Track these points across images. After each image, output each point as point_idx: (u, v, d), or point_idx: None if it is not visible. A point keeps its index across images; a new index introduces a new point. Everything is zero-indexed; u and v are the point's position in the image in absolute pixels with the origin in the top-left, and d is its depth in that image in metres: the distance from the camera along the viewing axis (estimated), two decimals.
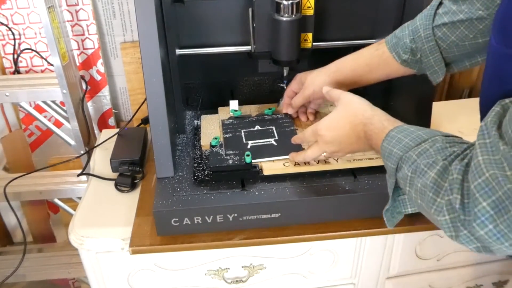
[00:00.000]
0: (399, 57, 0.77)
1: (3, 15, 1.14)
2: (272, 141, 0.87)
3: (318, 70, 0.86)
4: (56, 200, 1.35)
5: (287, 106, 0.94)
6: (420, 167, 0.54)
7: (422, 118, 0.86)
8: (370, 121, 0.66)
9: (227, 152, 0.83)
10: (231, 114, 0.96)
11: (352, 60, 0.83)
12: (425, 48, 0.74)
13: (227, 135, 0.89)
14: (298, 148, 0.83)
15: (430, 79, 0.78)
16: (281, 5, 0.81)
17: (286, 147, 0.84)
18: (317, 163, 0.81)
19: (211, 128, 0.93)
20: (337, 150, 0.73)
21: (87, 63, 1.21)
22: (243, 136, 0.88)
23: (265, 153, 0.84)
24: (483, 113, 0.66)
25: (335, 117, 0.72)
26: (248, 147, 0.85)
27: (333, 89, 0.77)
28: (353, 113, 0.69)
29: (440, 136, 0.58)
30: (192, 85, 1.01)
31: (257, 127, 0.91)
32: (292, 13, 0.82)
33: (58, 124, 1.26)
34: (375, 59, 0.80)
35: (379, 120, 0.66)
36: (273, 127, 0.90)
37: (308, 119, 0.94)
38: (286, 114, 0.94)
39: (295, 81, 0.90)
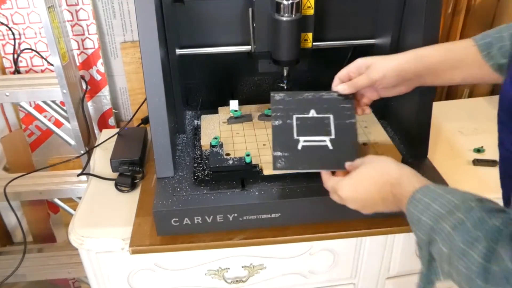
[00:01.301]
0: (491, 59, 0.67)
1: (3, 15, 1.14)
2: (327, 141, 0.74)
3: (386, 56, 0.74)
4: (56, 200, 1.35)
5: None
6: (459, 245, 0.47)
7: (422, 118, 0.86)
8: (398, 181, 0.60)
9: (276, 154, 0.72)
10: (231, 114, 0.96)
11: (436, 50, 0.72)
12: None
13: (276, 122, 0.74)
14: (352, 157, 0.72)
15: None
16: (281, 5, 0.81)
17: (341, 154, 0.72)
18: None
19: (211, 128, 0.93)
20: (360, 209, 0.66)
21: (87, 63, 1.21)
22: (294, 126, 0.74)
23: (317, 162, 0.72)
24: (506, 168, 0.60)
25: (358, 178, 0.65)
26: (299, 147, 0.73)
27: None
28: (379, 173, 0.63)
29: (474, 201, 0.50)
30: (192, 85, 1.01)
31: (313, 113, 0.76)
32: (292, 13, 0.82)
33: (58, 124, 1.25)
34: (468, 55, 0.69)
35: (409, 181, 0.59)
36: (331, 116, 0.75)
37: (363, 112, 0.79)
38: (347, 96, 0.76)
39: (354, 64, 0.76)
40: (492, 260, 0.43)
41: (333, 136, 0.74)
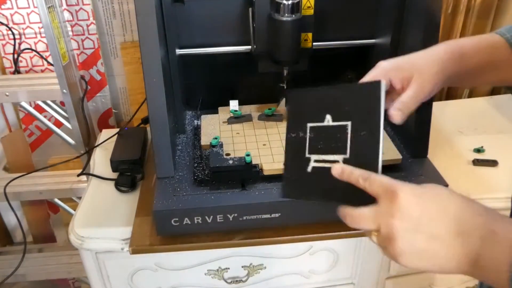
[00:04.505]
0: None
1: (3, 15, 1.14)
2: (340, 161, 0.56)
3: (422, 55, 0.60)
4: (56, 200, 1.35)
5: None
6: None
7: (422, 118, 0.86)
8: (502, 217, 0.43)
9: (286, 176, 0.60)
10: (231, 114, 0.96)
11: (475, 52, 0.61)
12: None
13: (291, 134, 0.62)
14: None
15: None
16: (281, 5, 0.81)
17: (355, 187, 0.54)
18: None
19: (211, 128, 0.93)
20: (404, 261, 0.45)
21: (87, 63, 1.21)
22: (307, 140, 0.60)
23: (328, 191, 0.57)
24: None
25: (426, 191, 0.47)
26: (309, 169, 0.59)
27: (376, 176, 0.50)
28: (463, 218, 0.44)
29: None
30: (192, 85, 1.01)
31: (328, 119, 0.59)
32: (292, 13, 0.82)
33: (58, 124, 1.25)
34: (496, 56, 0.61)
35: (503, 224, 0.42)
36: (349, 124, 0.57)
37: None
38: (375, 88, 0.56)
39: (376, 70, 0.61)
40: None
41: (347, 155, 0.56)
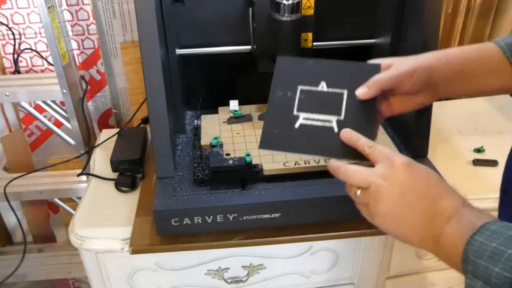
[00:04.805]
0: None
1: (3, 15, 1.14)
2: (333, 122, 0.60)
3: (409, 56, 0.64)
4: (56, 200, 1.35)
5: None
6: None
7: (422, 118, 0.86)
8: (471, 205, 0.48)
9: (266, 129, 0.60)
10: (231, 114, 0.96)
11: (466, 51, 0.63)
12: None
13: (275, 93, 0.63)
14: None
15: None
16: (281, 5, 0.81)
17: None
18: (317, 162, 0.81)
19: (211, 128, 0.93)
20: (380, 221, 0.51)
21: (87, 63, 1.21)
22: (296, 99, 0.62)
23: (315, 146, 0.59)
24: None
25: (418, 167, 0.51)
26: (296, 125, 0.61)
27: (379, 146, 0.54)
28: (441, 202, 0.48)
29: None
30: (192, 85, 1.01)
31: (323, 85, 0.62)
32: (292, 13, 0.82)
33: (58, 124, 1.26)
34: (486, 59, 0.62)
35: (473, 211, 0.47)
36: (345, 92, 0.61)
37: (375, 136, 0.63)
38: (372, 68, 0.63)
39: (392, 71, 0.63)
40: None
41: (342, 117, 0.60)
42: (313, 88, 0.63)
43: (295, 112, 0.61)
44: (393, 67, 0.61)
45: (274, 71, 0.65)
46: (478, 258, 0.42)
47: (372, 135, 0.58)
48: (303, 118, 0.61)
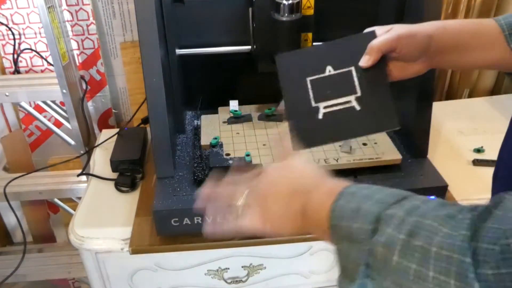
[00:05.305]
0: None
1: (3, 15, 1.14)
2: (353, 100, 0.61)
3: (409, 24, 0.64)
4: (56, 200, 1.35)
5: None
6: (424, 226, 0.36)
7: (422, 118, 0.86)
8: (328, 178, 0.49)
9: (294, 132, 0.60)
10: (231, 114, 0.96)
11: (465, 25, 0.63)
12: None
13: (287, 86, 0.63)
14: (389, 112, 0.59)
15: None
16: (281, 5, 0.81)
17: (374, 113, 0.60)
18: (317, 162, 0.81)
19: (211, 128, 0.93)
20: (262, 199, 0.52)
21: (87, 63, 1.21)
22: (310, 91, 0.62)
23: (345, 129, 0.60)
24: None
25: (284, 164, 0.54)
26: (320, 116, 0.61)
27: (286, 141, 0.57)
28: (310, 167, 0.52)
29: (419, 195, 0.42)
30: (192, 85, 1.01)
31: (329, 70, 0.62)
32: (292, 13, 0.82)
33: (58, 124, 1.25)
34: (483, 34, 0.62)
35: (333, 180, 0.48)
36: (353, 68, 0.62)
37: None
38: (369, 37, 0.62)
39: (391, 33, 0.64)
40: (479, 237, 0.33)
41: (359, 94, 0.61)
42: (321, 75, 0.62)
43: (313, 104, 0.61)
44: (392, 30, 0.62)
45: (278, 70, 0.64)
46: (340, 220, 0.43)
47: (391, 100, 0.60)
48: (323, 107, 0.61)
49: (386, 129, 0.60)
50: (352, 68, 0.62)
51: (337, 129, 0.60)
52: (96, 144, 1.08)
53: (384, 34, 0.62)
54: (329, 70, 0.62)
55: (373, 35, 0.62)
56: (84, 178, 1.16)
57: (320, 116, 0.61)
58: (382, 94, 0.60)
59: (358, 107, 0.60)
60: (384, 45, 0.61)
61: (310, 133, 0.61)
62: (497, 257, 0.32)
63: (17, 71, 1.21)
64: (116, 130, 1.06)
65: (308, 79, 0.62)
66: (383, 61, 0.61)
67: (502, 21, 0.62)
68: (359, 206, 0.42)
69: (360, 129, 0.60)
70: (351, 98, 0.61)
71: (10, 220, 1.44)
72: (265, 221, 0.51)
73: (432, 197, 0.46)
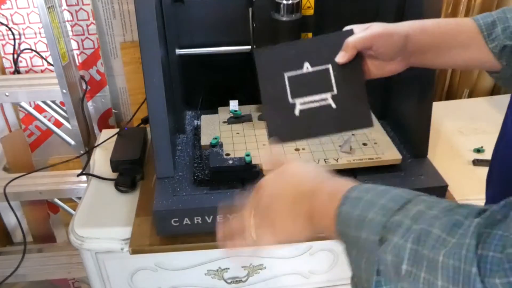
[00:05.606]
0: (493, 41, 0.60)
1: (3, 15, 1.14)
2: (329, 98, 0.62)
3: (387, 23, 0.64)
4: (56, 200, 1.35)
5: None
6: (431, 234, 0.36)
7: (422, 118, 0.86)
8: (329, 180, 0.49)
9: (270, 126, 0.62)
10: (231, 114, 0.96)
11: (437, 26, 0.63)
12: None
13: (265, 87, 0.64)
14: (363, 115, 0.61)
15: (506, 82, 0.64)
16: (281, 5, 0.81)
17: (349, 112, 0.62)
18: (317, 162, 0.81)
19: (211, 128, 0.93)
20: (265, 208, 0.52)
21: (87, 63, 1.21)
22: (287, 88, 0.63)
23: (320, 127, 0.62)
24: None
25: (280, 171, 0.53)
26: (296, 112, 0.62)
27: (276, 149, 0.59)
28: (306, 171, 0.51)
29: (424, 195, 0.42)
30: (192, 85, 1.01)
31: (307, 66, 0.63)
32: (292, 13, 0.82)
33: (58, 124, 1.26)
34: (461, 34, 0.62)
35: (336, 182, 0.48)
36: (330, 66, 0.63)
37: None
38: (347, 34, 0.63)
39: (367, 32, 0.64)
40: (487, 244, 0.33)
41: (335, 92, 0.62)
42: (299, 72, 0.63)
43: (290, 100, 0.63)
44: (369, 29, 0.63)
45: (256, 66, 0.65)
46: (347, 228, 0.43)
47: (366, 99, 0.61)
48: (300, 104, 0.62)
49: (360, 128, 0.61)
50: (329, 66, 0.63)
51: (313, 126, 0.61)
52: (96, 144, 1.08)
53: (361, 32, 0.63)
54: (307, 67, 0.63)
55: (351, 33, 0.63)
56: (84, 178, 1.16)
57: (297, 112, 0.62)
58: (357, 92, 0.61)
59: (334, 105, 0.62)
60: (359, 42, 0.62)
61: (286, 129, 0.61)
62: (505, 265, 0.31)
63: (17, 71, 1.21)
64: (116, 130, 1.06)
65: (286, 75, 0.63)
66: (359, 59, 0.62)
67: (480, 20, 0.62)
68: (364, 215, 0.41)
69: (335, 127, 0.61)
70: (328, 95, 0.62)
71: (10, 220, 1.44)
72: (277, 234, 0.51)
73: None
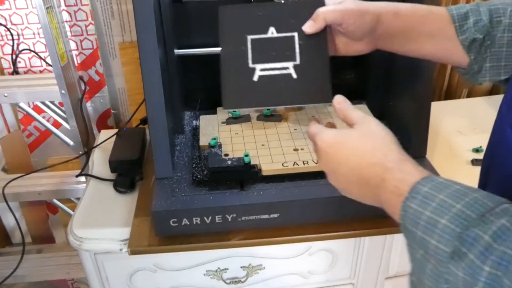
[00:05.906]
0: (464, 33, 0.59)
1: (2, 15, 1.14)
2: (290, 68, 0.60)
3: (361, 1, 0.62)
4: (55, 201, 1.35)
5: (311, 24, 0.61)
6: None
7: (421, 118, 0.86)
8: (397, 166, 0.46)
9: (226, 89, 0.60)
10: (230, 114, 0.96)
11: (415, 12, 0.61)
12: (503, 37, 0.58)
13: (225, 48, 0.62)
14: (321, 93, 0.59)
15: (472, 78, 0.63)
16: None
17: (308, 85, 0.59)
18: (316, 163, 0.81)
19: (210, 129, 0.93)
20: (330, 174, 0.53)
21: (86, 64, 1.21)
22: (249, 51, 0.61)
23: (277, 96, 0.59)
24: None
25: (347, 139, 0.51)
26: (255, 78, 0.60)
27: (351, 106, 0.54)
28: (375, 147, 0.49)
29: (509, 204, 0.38)
30: (191, 86, 1.01)
31: (272, 31, 0.61)
32: None
33: (56, 124, 1.25)
34: (432, 21, 0.61)
35: (411, 168, 0.45)
36: (296, 34, 0.60)
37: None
38: (318, 3, 0.60)
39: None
40: None
41: (297, 62, 0.60)
42: (263, 36, 0.61)
43: (250, 65, 0.60)
44: (342, 4, 0.60)
45: (219, 23, 0.61)
46: (414, 227, 0.40)
47: (328, 74, 0.59)
48: (260, 70, 0.60)
49: (318, 102, 0.58)
50: (295, 34, 0.60)
51: (270, 94, 0.59)
52: (95, 145, 1.08)
53: (334, 5, 0.60)
54: (272, 32, 0.61)
55: (322, 3, 0.60)
56: (83, 178, 1.16)
57: (256, 78, 0.60)
58: (320, 66, 0.59)
59: (295, 75, 0.59)
60: (330, 15, 0.59)
61: (242, 94, 0.59)
62: None
63: (15, 71, 1.21)
64: (115, 130, 1.06)
65: (249, 37, 0.61)
66: (326, 33, 0.60)
67: (454, 11, 0.60)
68: (436, 219, 0.38)
69: (293, 98, 0.59)
70: (289, 64, 0.60)
71: (9, 221, 1.44)
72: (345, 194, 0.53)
73: None
